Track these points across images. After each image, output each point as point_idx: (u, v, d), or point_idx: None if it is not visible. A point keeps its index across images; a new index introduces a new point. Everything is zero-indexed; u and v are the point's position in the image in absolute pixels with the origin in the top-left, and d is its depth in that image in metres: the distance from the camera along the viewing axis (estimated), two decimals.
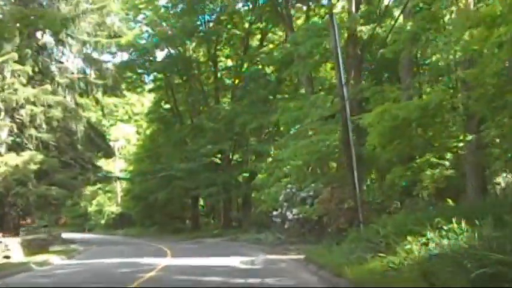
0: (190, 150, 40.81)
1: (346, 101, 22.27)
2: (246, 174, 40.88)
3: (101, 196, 66.50)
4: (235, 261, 16.64)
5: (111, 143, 64.04)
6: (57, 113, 34.64)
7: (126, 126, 71.92)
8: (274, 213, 24.17)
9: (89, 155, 41.77)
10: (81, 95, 42.91)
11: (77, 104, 40.98)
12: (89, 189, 68.91)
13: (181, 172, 40.05)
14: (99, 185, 67.17)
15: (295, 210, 22.48)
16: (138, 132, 62.08)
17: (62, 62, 39.59)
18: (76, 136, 40.54)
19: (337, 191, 19.41)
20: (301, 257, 17.91)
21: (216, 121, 39.34)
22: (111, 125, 74.97)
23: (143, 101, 65.80)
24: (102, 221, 64.71)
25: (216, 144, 37.38)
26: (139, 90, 54.06)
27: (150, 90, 52.25)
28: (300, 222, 22.88)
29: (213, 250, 24.26)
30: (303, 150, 23.48)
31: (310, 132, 26.14)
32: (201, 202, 54.36)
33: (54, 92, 36.45)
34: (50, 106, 34.88)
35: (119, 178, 47.85)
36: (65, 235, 50.67)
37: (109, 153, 45.52)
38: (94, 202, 67.32)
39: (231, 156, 41.30)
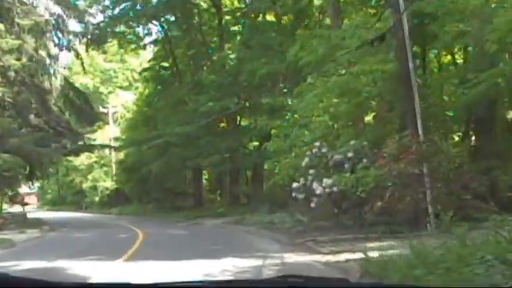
0: (190, 110, 32.99)
1: (403, 13, 14.58)
2: (256, 143, 33.34)
3: (97, 171, 59.23)
4: (226, 273, 9.09)
5: (105, 110, 56.91)
6: (13, 61, 27.25)
7: (126, 93, 64.33)
8: (294, 185, 16.32)
9: (66, 118, 34.35)
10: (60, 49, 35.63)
11: (50, 55, 33.50)
12: (84, 163, 62.12)
13: (176, 137, 32.41)
14: (95, 158, 60.27)
15: (326, 181, 14.74)
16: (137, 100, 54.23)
17: (27, 4, 31.96)
18: (51, 95, 33.31)
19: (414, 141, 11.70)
20: (343, 258, 10.46)
21: (219, 74, 31.61)
22: (110, 93, 67.63)
23: (144, 66, 58.20)
24: (96, 198, 57.52)
25: (219, 101, 29.65)
26: (133, 46, 46.19)
27: (145, 46, 44.35)
28: (333, 199, 15.17)
29: (205, 241, 16.71)
30: (335, 90, 15.76)
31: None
32: (207, 176, 47.12)
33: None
34: (5, 52, 27.59)
35: (103, 147, 39.95)
36: (44, 215, 44.10)
37: (94, 119, 37.94)
38: (89, 177, 60.16)
39: (238, 120, 33.64)
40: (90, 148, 35.92)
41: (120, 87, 67.15)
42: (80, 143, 34.48)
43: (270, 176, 32.66)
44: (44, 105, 32.47)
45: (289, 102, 23.79)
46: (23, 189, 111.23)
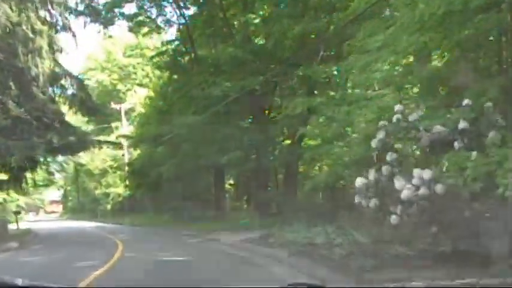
0: (204, 97, 26.17)
1: None
2: (288, 141, 26.55)
3: (111, 175, 53.06)
4: None
5: (117, 106, 50.80)
6: None
7: (144, 90, 58.15)
8: (359, 183, 9.03)
9: (55, 108, 27.94)
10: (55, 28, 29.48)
11: (35, 31, 27.17)
12: (98, 167, 56.13)
13: (188, 130, 25.71)
14: (110, 162, 54.28)
15: (420, 174, 7.69)
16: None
17: None
18: (38, 82, 27.21)
19: None
20: None
21: (242, 50, 24.80)
22: (128, 90, 61.48)
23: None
24: (108, 206, 51.26)
25: (240, 82, 22.85)
26: (146, 30, 39.55)
27: (158, 28, 37.61)
28: (434, 207, 8.07)
29: (200, 282, 9.78)
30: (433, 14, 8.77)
31: None
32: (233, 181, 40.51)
33: None
34: None
35: (101, 143, 32.87)
36: (49, 225, 38.75)
37: (93, 111, 31.33)
38: (103, 183, 54.15)
39: (265, 106, 26.72)
40: (85, 145, 29.15)
41: (140, 85, 60.90)
42: (72, 138, 27.90)
43: (305, 178, 25.97)
44: (26, 91, 26.26)
45: (335, 73, 16.79)
46: (50, 196, 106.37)
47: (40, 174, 63.40)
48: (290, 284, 2.16)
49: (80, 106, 29.49)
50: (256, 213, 26.89)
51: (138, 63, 62.85)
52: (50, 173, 70.03)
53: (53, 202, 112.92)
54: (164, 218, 37.45)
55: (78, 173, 67.51)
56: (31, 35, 26.47)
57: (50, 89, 29.19)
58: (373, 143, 8.82)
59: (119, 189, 48.95)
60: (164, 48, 35.98)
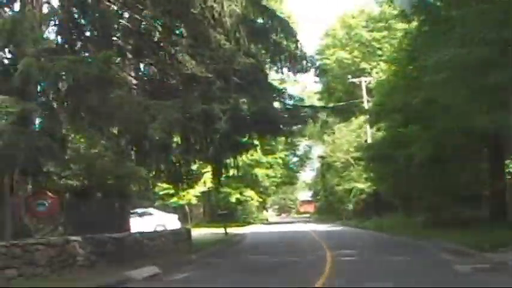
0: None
1: None
2: None
3: (355, 168, 43.79)
4: None
5: (357, 80, 41.65)
6: None
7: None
8: None
9: (248, 62, 18.73)
10: None
11: None
12: (340, 160, 47.43)
13: (446, 76, 15.28)
14: (353, 153, 45.01)
15: None
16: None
17: None
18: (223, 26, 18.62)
19: None
20: None
21: None
22: (373, 68, 51.88)
23: None
24: (350, 206, 42.22)
25: None
26: None
27: None
28: None
29: None
30: None
31: None
32: None
33: None
34: None
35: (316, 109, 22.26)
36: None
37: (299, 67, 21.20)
38: (346, 177, 45.17)
39: None
40: (298, 116, 19.16)
41: (386, 62, 50.93)
42: (277, 105, 19.13)
43: None
44: (201, 36, 17.75)
45: None
46: (302, 196, 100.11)
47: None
48: None
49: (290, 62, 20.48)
50: None
51: (383, 37, 53.10)
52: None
53: (304, 202, 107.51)
54: (417, 220, 27.20)
55: (324, 168, 59.90)
56: None
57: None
58: None
59: (360, 184, 39.58)
60: None
